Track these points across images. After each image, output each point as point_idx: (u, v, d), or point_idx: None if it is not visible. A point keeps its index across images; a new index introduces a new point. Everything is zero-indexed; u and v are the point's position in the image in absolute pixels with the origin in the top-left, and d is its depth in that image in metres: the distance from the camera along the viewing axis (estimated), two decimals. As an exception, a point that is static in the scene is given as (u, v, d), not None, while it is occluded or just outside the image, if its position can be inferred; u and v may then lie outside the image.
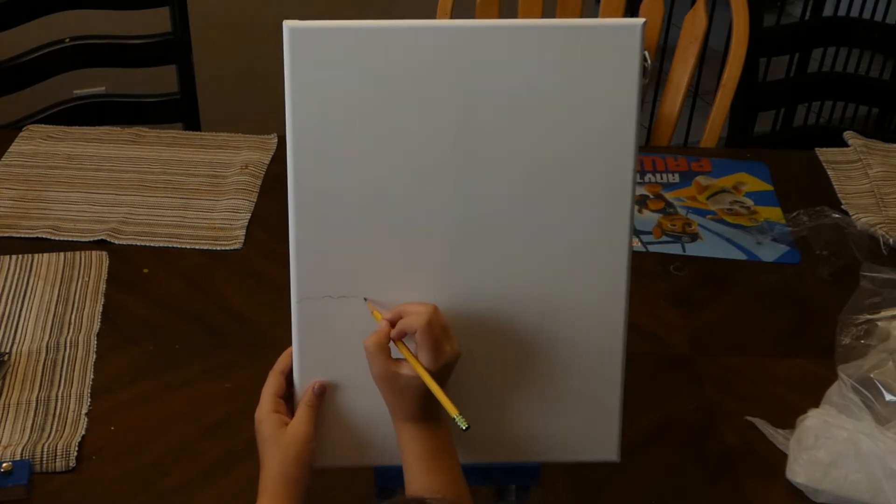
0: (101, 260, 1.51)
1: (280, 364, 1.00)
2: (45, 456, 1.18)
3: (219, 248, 1.55)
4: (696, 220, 1.65)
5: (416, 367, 0.93)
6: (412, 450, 0.95)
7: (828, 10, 3.03)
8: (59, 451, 1.19)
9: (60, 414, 1.25)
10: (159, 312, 1.43)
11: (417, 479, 0.94)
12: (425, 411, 0.95)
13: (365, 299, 0.97)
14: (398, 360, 0.95)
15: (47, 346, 1.35)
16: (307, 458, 0.96)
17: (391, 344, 0.95)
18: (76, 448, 1.20)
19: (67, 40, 1.96)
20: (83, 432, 1.23)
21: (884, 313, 1.32)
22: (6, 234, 1.55)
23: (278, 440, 0.96)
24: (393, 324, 0.95)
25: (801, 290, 1.53)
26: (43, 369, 1.32)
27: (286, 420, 0.97)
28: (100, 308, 1.42)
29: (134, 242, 1.55)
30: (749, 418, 1.28)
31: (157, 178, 1.69)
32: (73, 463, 1.19)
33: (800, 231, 1.62)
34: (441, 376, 0.93)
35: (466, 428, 0.90)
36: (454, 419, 0.91)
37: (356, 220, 0.96)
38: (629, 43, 0.93)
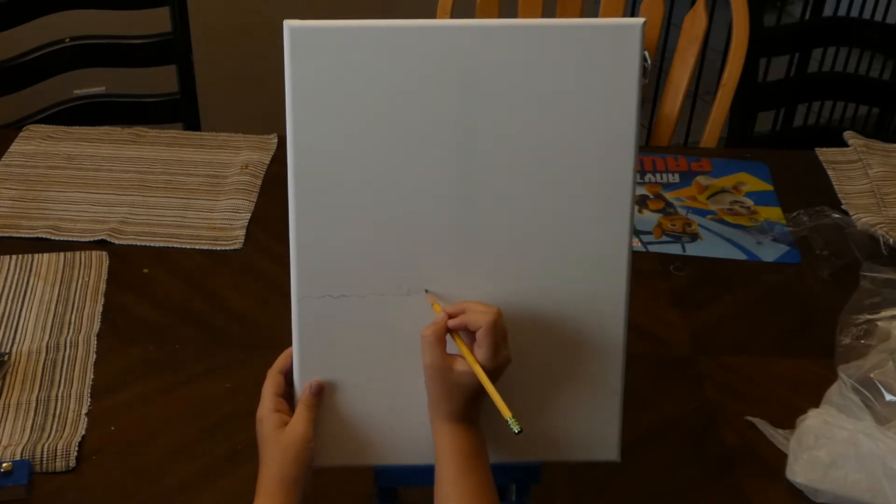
0: (101, 260, 1.51)
1: (279, 364, 1.00)
2: (45, 456, 1.18)
3: (219, 248, 1.55)
4: (696, 220, 1.65)
5: (472, 362, 0.93)
6: (450, 450, 0.94)
7: (828, 10, 3.02)
8: (59, 451, 1.19)
9: (60, 414, 1.25)
10: (159, 312, 1.43)
11: (450, 481, 0.94)
12: (468, 412, 0.95)
13: (426, 291, 0.97)
14: (453, 355, 0.95)
15: (47, 346, 1.35)
16: (306, 458, 0.96)
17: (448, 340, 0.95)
18: (76, 448, 1.20)
19: (67, 40, 1.96)
20: (83, 432, 1.23)
21: (884, 313, 1.32)
22: (6, 234, 1.55)
23: (277, 440, 0.96)
24: (451, 318, 0.95)
25: (801, 290, 1.53)
26: (43, 369, 1.32)
27: (286, 419, 0.97)
28: (100, 308, 1.42)
29: (134, 242, 1.55)
30: (749, 418, 1.28)
31: (157, 178, 1.69)
32: (73, 463, 1.19)
33: (800, 231, 1.61)
34: (491, 378, 0.93)
35: (519, 431, 0.90)
36: (507, 421, 0.90)
37: (356, 219, 0.95)
38: (629, 43, 0.93)
